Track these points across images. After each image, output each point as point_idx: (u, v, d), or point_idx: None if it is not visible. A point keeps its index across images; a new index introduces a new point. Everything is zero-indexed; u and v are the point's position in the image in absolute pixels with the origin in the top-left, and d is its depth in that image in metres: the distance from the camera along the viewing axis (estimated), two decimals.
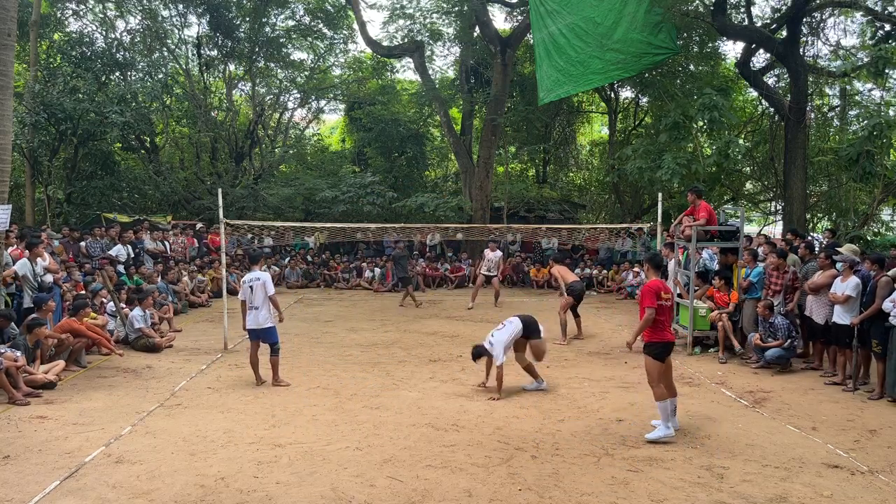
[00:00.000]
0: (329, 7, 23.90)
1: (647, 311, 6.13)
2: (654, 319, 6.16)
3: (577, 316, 11.36)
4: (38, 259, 9.25)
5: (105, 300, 10.54)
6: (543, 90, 16.32)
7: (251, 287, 7.96)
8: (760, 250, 10.41)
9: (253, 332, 8.07)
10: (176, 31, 23.29)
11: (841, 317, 8.10)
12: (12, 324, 8.12)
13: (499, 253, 15.19)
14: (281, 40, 23.82)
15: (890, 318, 7.33)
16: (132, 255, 13.82)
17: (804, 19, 15.50)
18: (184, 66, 23.70)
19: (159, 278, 13.34)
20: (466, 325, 12.60)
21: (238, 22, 22.80)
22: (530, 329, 7.77)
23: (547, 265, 19.30)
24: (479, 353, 7.74)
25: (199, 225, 19.00)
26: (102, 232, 13.96)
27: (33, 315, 8.30)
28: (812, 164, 15.42)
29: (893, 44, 12.74)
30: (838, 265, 8.38)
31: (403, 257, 15.71)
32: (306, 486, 5.07)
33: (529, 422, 6.70)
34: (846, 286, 8.04)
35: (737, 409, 7.27)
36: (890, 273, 7.80)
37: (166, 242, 15.84)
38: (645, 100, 21.87)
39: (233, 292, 15.51)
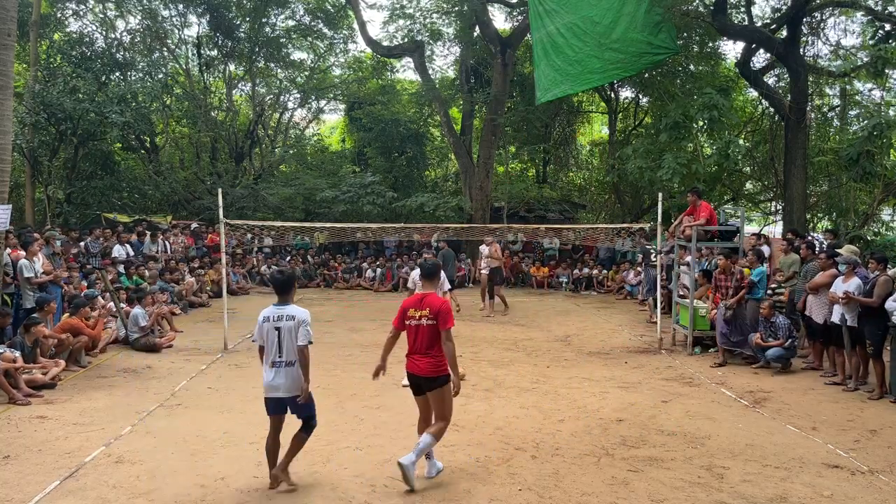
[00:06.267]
0: (329, 7, 23.88)
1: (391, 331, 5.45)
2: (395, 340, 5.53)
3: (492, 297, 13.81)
4: (34, 258, 9.25)
5: (105, 302, 10.54)
6: (541, 90, 16.27)
7: None
8: (768, 248, 10.49)
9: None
10: (176, 31, 23.32)
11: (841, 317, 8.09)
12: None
13: (494, 244, 14.30)
14: (281, 40, 23.81)
15: (893, 317, 7.32)
16: (132, 256, 13.83)
17: (804, 19, 15.46)
18: (184, 66, 23.72)
19: (158, 277, 13.32)
20: (466, 324, 12.58)
21: (238, 22, 22.80)
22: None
23: (546, 265, 19.34)
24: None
25: (193, 225, 18.89)
26: (101, 232, 13.98)
27: (32, 315, 8.31)
28: (812, 164, 15.40)
29: (893, 44, 12.72)
30: (841, 266, 8.36)
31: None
32: (306, 486, 5.07)
33: (529, 422, 6.70)
34: (848, 286, 8.02)
35: (737, 409, 7.26)
36: (890, 272, 7.79)
37: (167, 242, 15.83)
38: (645, 100, 21.85)
39: (233, 292, 15.59)
